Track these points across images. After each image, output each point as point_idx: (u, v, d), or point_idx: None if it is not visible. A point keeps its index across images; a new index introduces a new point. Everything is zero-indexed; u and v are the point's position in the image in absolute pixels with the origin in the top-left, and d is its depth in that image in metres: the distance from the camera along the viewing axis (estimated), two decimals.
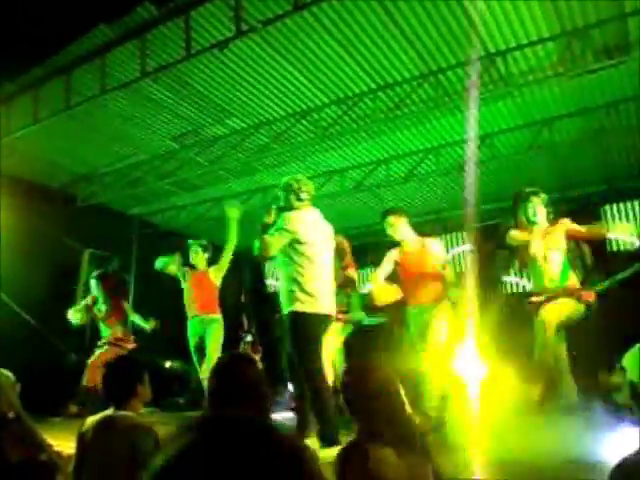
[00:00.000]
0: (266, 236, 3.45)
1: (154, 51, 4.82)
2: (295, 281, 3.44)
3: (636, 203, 7.88)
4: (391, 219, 4.55)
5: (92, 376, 5.65)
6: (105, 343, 5.99)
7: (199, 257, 5.61)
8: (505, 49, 4.89)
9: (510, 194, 4.57)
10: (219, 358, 2.29)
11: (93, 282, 6.17)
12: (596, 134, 6.10)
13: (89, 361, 5.86)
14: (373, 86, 5.49)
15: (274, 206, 3.64)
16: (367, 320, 5.40)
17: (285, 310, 3.50)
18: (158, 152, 6.86)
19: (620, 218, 7.98)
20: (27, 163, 6.59)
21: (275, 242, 3.43)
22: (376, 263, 5.97)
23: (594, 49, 4.73)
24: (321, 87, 5.50)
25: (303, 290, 3.42)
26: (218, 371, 2.04)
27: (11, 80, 5.29)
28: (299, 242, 3.44)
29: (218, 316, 5.46)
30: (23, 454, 2.37)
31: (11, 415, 2.63)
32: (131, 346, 6.06)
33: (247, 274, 10.76)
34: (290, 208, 3.59)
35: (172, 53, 4.80)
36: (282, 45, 4.79)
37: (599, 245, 7.31)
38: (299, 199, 3.60)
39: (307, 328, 3.41)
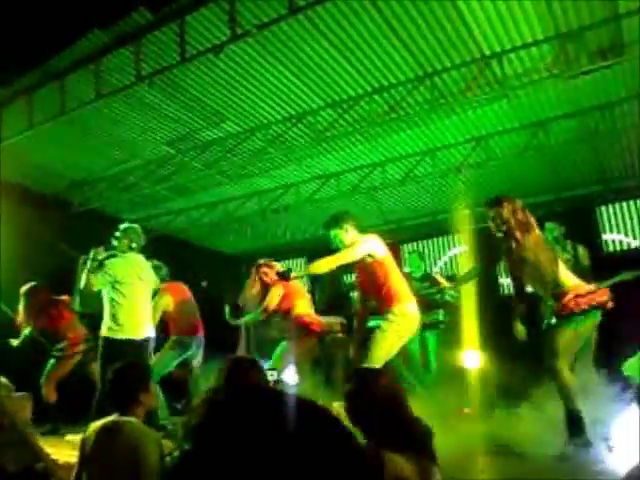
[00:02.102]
0: (91, 275, 4.35)
1: (149, 56, 4.81)
2: (110, 312, 4.39)
3: (631, 203, 7.92)
4: (336, 231, 4.11)
5: (49, 391, 5.44)
6: (56, 354, 5.57)
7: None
8: (500, 51, 4.90)
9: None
10: (225, 361, 2.37)
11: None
12: (591, 135, 6.12)
13: (44, 377, 5.48)
14: (369, 89, 5.49)
15: (102, 247, 4.53)
16: None
17: (100, 334, 4.42)
18: (153, 157, 6.85)
19: (615, 218, 8.02)
20: (22, 169, 6.56)
21: (96, 281, 4.36)
22: None
23: (588, 51, 4.75)
24: (316, 90, 5.50)
25: (115, 320, 4.36)
26: (224, 371, 2.17)
27: (5, 85, 5.27)
28: (116, 282, 4.39)
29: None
30: (20, 463, 2.35)
31: (7, 422, 2.61)
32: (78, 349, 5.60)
33: (244, 277, 10.74)
34: (121, 250, 4.55)
35: (167, 58, 4.80)
36: (277, 49, 4.79)
37: (594, 247, 7.37)
38: (124, 246, 4.55)
39: (112, 351, 4.25)
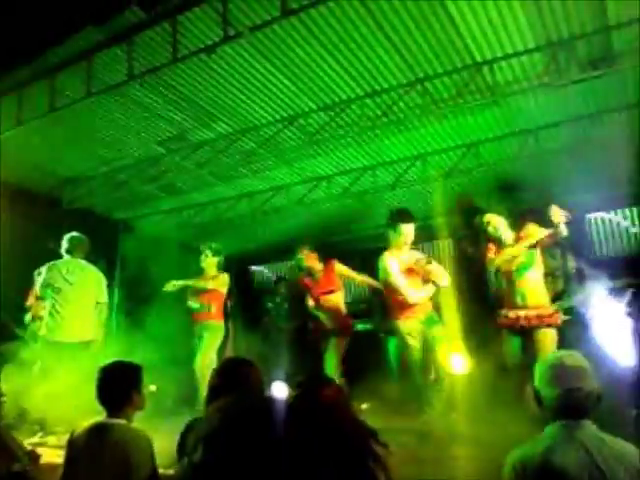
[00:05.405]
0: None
1: (141, 54, 4.78)
2: (49, 314, 4.87)
3: (619, 212, 7.98)
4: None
5: None
6: None
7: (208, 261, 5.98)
8: (492, 58, 4.92)
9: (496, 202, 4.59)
10: (224, 360, 2.40)
11: None
12: (581, 144, 6.16)
13: None
14: (360, 93, 5.50)
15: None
16: None
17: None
18: (144, 156, 6.81)
19: (604, 226, 8.08)
20: (11, 166, 6.49)
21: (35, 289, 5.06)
22: (361, 269, 5.98)
23: (579, 60, 4.78)
24: (308, 93, 5.50)
25: (50, 321, 4.85)
26: (221, 371, 2.20)
27: None
28: (49, 286, 4.95)
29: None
30: (4, 466, 2.32)
31: None
32: None
33: (233, 277, 10.71)
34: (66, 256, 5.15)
35: (159, 57, 4.76)
36: (270, 51, 4.78)
37: (583, 254, 7.40)
38: (64, 252, 5.14)
39: (45, 350, 4.78)
